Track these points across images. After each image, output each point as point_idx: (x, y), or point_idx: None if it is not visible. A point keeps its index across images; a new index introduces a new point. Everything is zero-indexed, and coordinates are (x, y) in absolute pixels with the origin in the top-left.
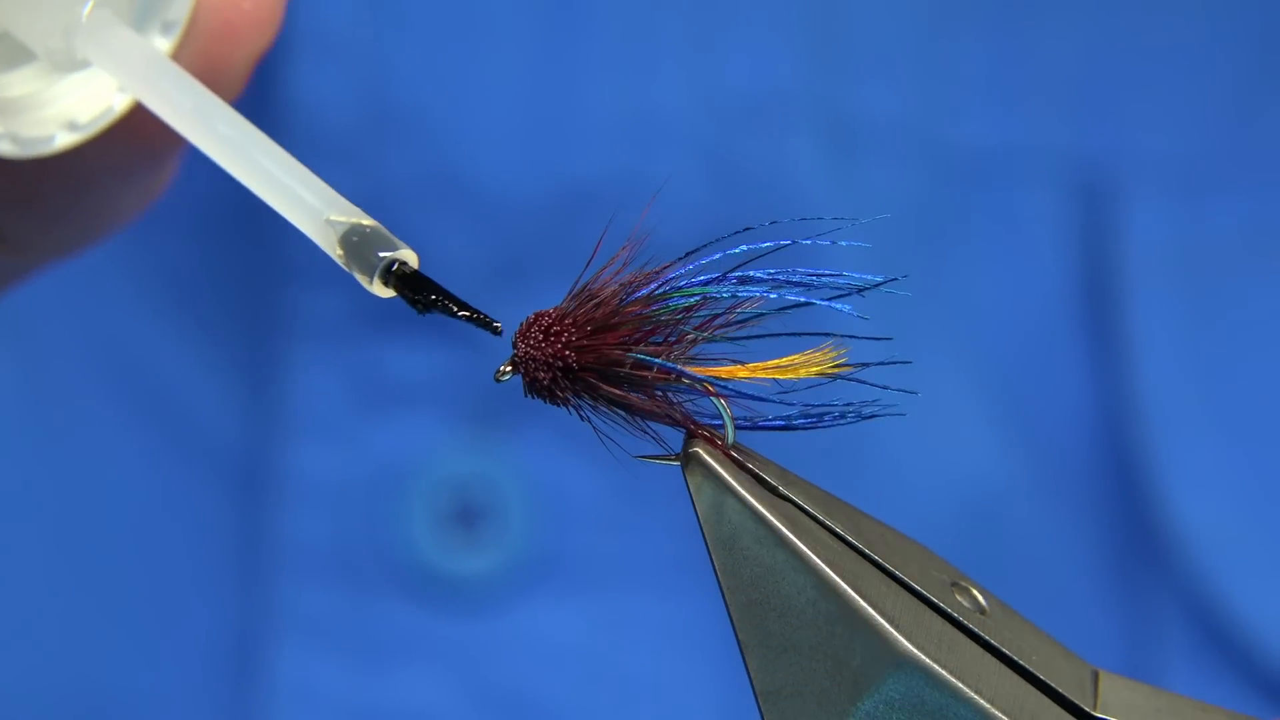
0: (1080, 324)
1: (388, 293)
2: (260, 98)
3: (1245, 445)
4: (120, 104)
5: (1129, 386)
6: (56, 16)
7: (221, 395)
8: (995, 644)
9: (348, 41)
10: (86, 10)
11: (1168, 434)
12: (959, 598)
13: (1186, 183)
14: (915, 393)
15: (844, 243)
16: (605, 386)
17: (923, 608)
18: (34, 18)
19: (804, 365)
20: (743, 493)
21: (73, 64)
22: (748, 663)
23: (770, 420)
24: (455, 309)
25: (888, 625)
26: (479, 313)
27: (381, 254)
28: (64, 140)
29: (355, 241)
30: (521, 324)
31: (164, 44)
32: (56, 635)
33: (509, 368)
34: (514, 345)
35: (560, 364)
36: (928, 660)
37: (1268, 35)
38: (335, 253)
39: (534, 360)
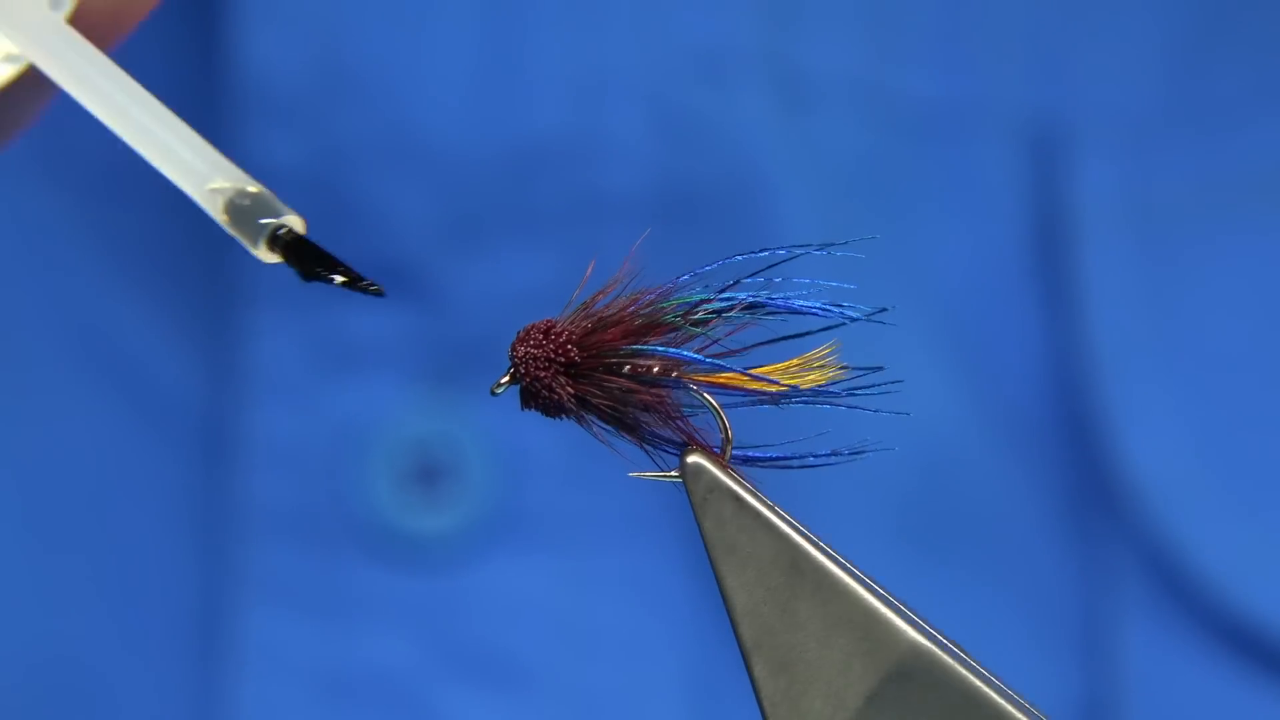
0: (1033, 275)
1: (274, 258)
2: (209, 59)
3: (1197, 393)
4: (3, 74)
5: (1082, 337)
6: None
7: (181, 359)
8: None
9: (296, 2)
10: None
11: (1121, 383)
12: None
13: (1137, 133)
14: (907, 413)
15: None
16: (607, 379)
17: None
18: None
19: (798, 370)
20: (748, 495)
21: None
22: (752, 666)
23: (764, 452)
24: (335, 277)
25: (893, 617)
26: (360, 278)
27: (265, 220)
28: None
29: (242, 206)
30: (519, 332)
31: None
32: (19, 603)
33: (506, 379)
34: (512, 351)
35: (562, 359)
36: (931, 647)
37: None
38: (221, 218)
39: (533, 359)
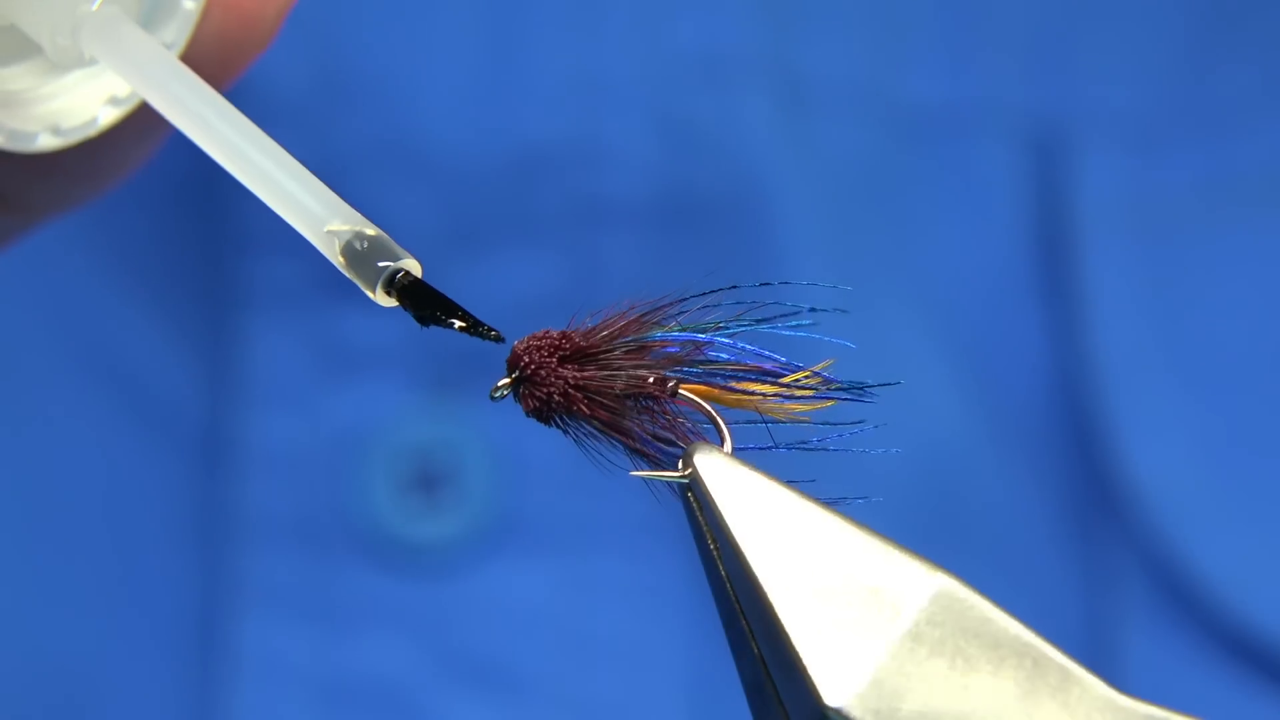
0: (1035, 278)
1: (390, 302)
2: None
3: (1201, 398)
4: (105, 118)
5: (1085, 341)
6: (65, 11)
7: (180, 364)
8: None
9: (296, 8)
10: (96, 5)
11: (1124, 388)
12: None
13: (1141, 136)
14: (895, 450)
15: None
16: (609, 361)
17: None
18: (42, 11)
19: (794, 383)
20: (758, 473)
21: (78, 61)
22: (776, 609)
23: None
24: (453, 321)
25: (920, 561)
26: (479, 323)
27: (383, 263)
28: (45, 143)
29: (358, 250)
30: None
31: (192, 5)
32: (16, 608)
33: (506, 380)
34: (513, 352)
35: (566, 346)
36: (960, 583)
37: None
38: (337, 260)
39: (534, 348)
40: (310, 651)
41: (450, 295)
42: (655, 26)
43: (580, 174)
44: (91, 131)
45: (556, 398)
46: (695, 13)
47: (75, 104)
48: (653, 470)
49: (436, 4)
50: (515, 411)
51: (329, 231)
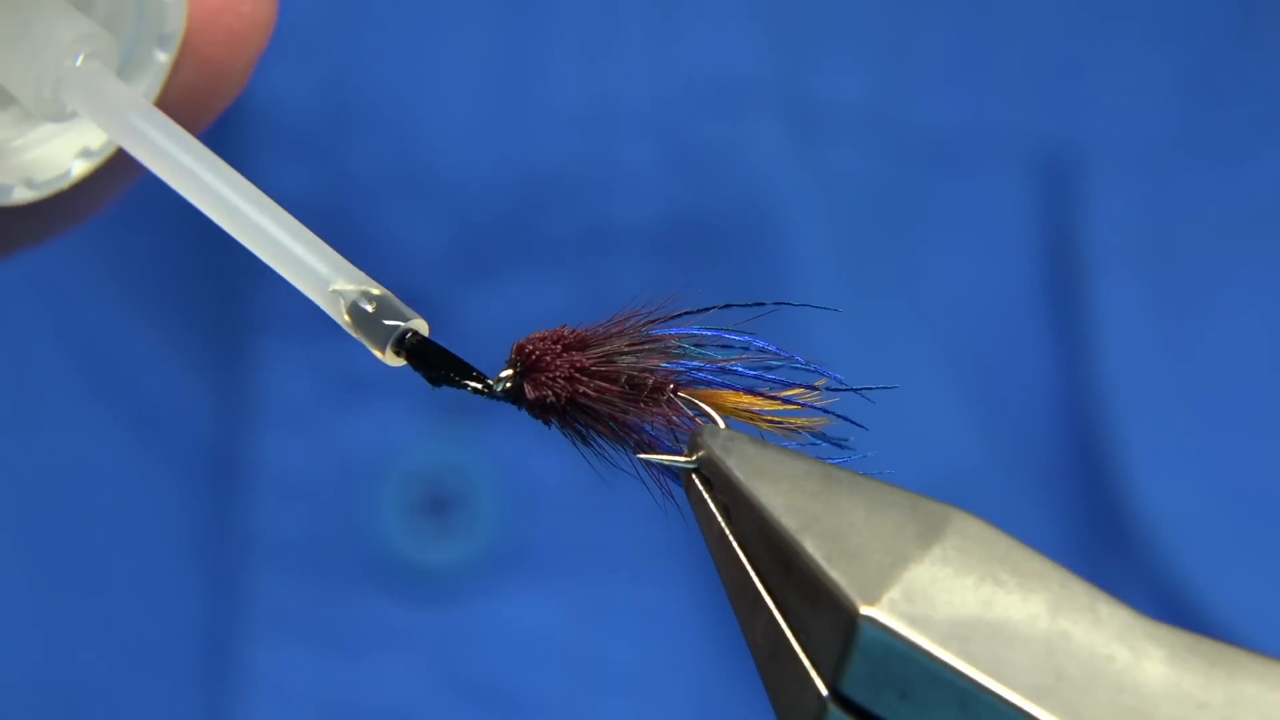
0: (1045, 306)
1: (399, 363)
2: None
3: (1210, 427)
4: (78, 170)
5: (1094, 368)
6: (48, 65)
7: (191, 388)
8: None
9: (305, 32)
10: (79, 60)
11: (1133, 416)
12: None
13: (1151, 163)
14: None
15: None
16: (614, 351)
17: None
18: (22, 65)
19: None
20: (773, 447)
21: (57, 114)
22: (802, 542)
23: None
24: (466, 383)
25: (934, 501)
26: (489, 382)
27: (389, 323)
28: (20, 196)
29: (364, 311)
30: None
31: (164, 58)
32: (26, 630)
33: (509, 371)
34: (515, 345)
35: (570, 338)
36: (977, 518)
37: (1230, 16)
38: (343, 320)
39: (539, 338)
40: (319, 676)
41: (466, 317)
42: (666, 52)
43: (590, 199)
44: (64, 184)
45: (560, 381)
46: (707, 38)
47: (49, 156)
48: (657, 459)
49: (447, 29)
50: (525, 437)
51: (334, 291)
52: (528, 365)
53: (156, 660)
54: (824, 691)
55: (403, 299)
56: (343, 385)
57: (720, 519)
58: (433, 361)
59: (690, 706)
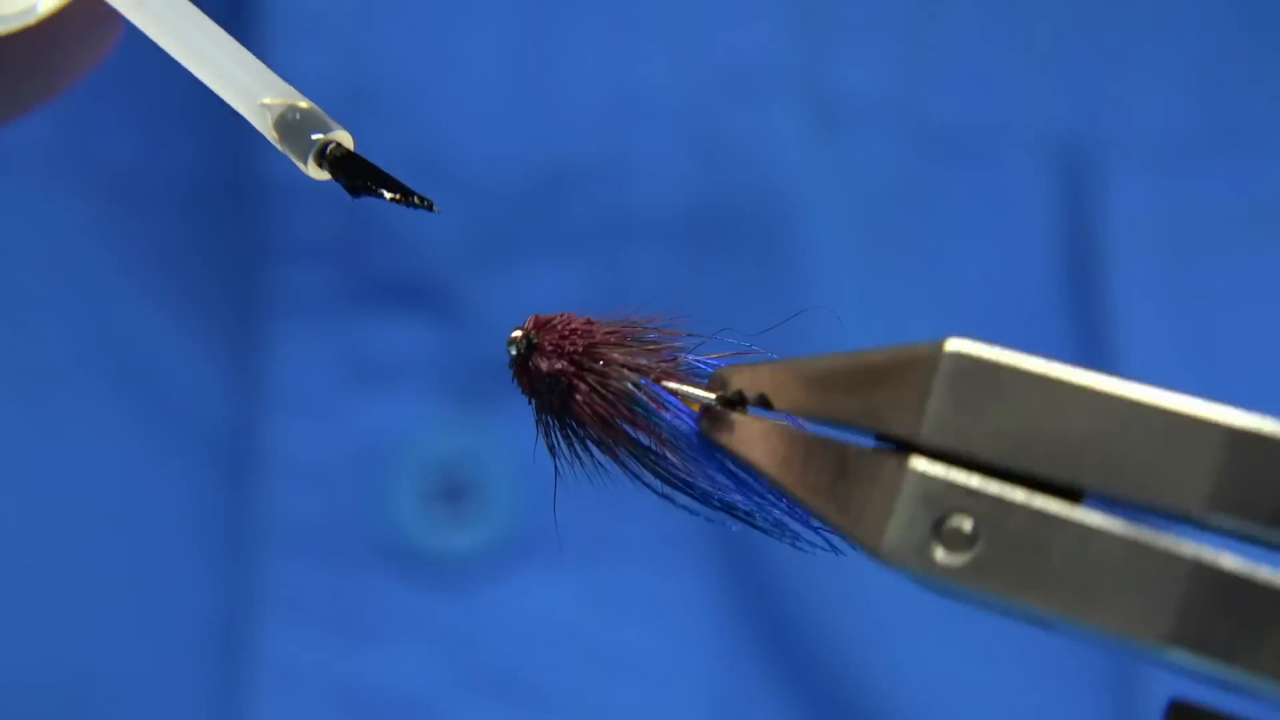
0: (1064, 298)
1: (322, 175)
2: None
3: None
4: (44, 6)
5: (1113, 361)
6: None
7: (206, 372)
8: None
9: (326, 19)
10: None
11: None
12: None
13: (1170, 156)
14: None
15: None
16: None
17: None
18: None
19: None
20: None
21: None
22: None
23: None
24: (385, 191)
25: None
26: (412, 193)
27: (316, 135)
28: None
29: (292, 122)
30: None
31: None
32: (39, 615)
33: (519, 333)
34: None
35: (580, 320)
36: None
37: (1249, 9)
38: (271, 135)
39: (546, 319)
40: (332, 661)
41: (483, 304)
42: (688, 41)
43: (610, 188)
44: (30, 20)
45: (578, 342)
46: (728, 28)
47: None
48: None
49: (469, 17)
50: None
51: (263, 105)
52: (540, 326)
53: (170, 644)
54: (904, 465)
55: (420, 284)
56: (358, 371)
57: (756, 422)
58: (355, 173)
59: (703, 694)
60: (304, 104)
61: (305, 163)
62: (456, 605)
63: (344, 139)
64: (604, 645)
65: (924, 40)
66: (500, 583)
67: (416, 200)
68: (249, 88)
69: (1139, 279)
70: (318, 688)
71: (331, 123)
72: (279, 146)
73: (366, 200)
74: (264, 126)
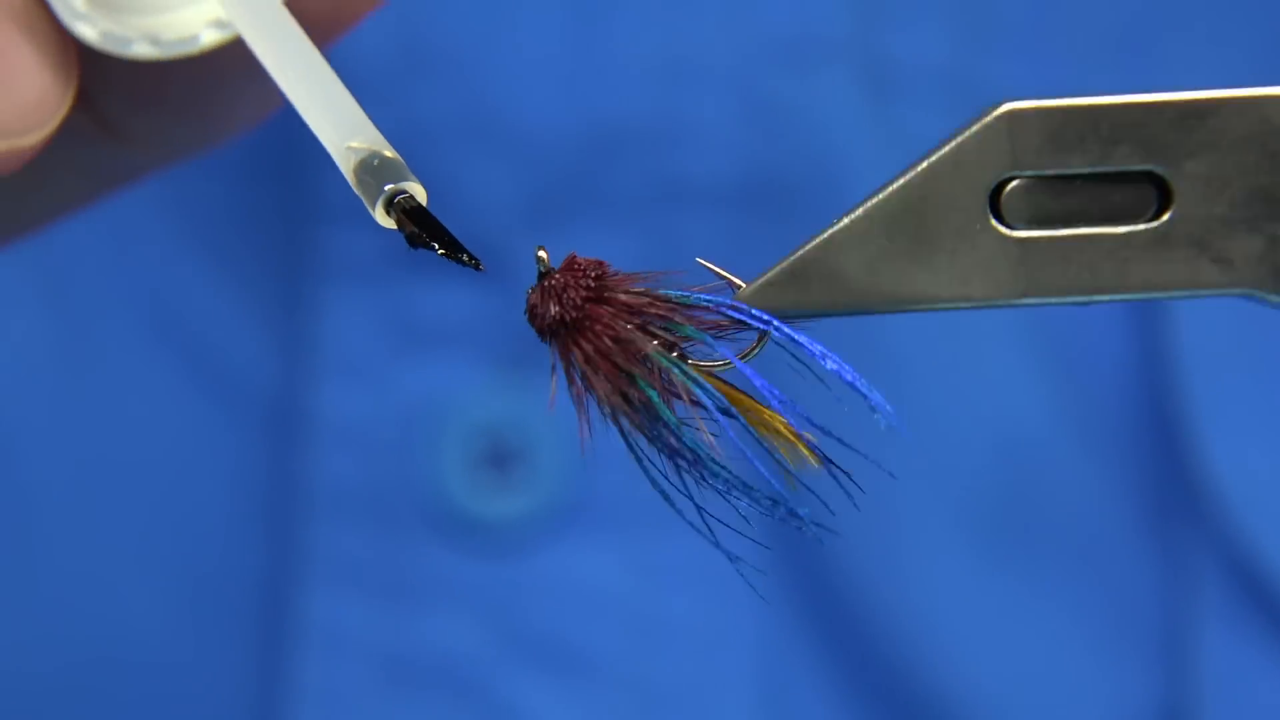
0: None
1: (389, 223)
2: None
3: None
4: (208, 38)
5: (1169, 335)
6: None
7: (253, 335)
8: None
9: None
10: None
11: (1207, 384)
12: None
13: None
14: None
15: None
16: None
17: None
18: None
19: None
20: None
21: None
22: None
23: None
24: (435, 245)
25: None
26: (463, 250)
27: (389, 185)
28: (141, 50)
29: (371, 167)
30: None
31: None
32: (85, 578)
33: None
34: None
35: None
36: None
37: None
38: (350, 177)
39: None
40: (375, 626)
41: (534, 269)
42: (743, 7)
43: (662, 154)
44: (192, 49)
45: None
46: None
47: (179, 20)
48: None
49: None
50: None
51: (349, 148)
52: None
53: (215, 607)
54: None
55: (470, 245)
56: (406, 335)
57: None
58: (421, 226)
59: (750, 663)
60: (388, 153)
61: (374, 208)
62: (502, 571)
63: (417, 191)
64: (650, 614)
65: (979, 10)
66: (546, 550)
67: (466, 259)
68: (342, 128)
69: None
70: (362, 652)
71: (410, 175)
72: (355, 189)
73: (422, 159)
74: (346, 168)
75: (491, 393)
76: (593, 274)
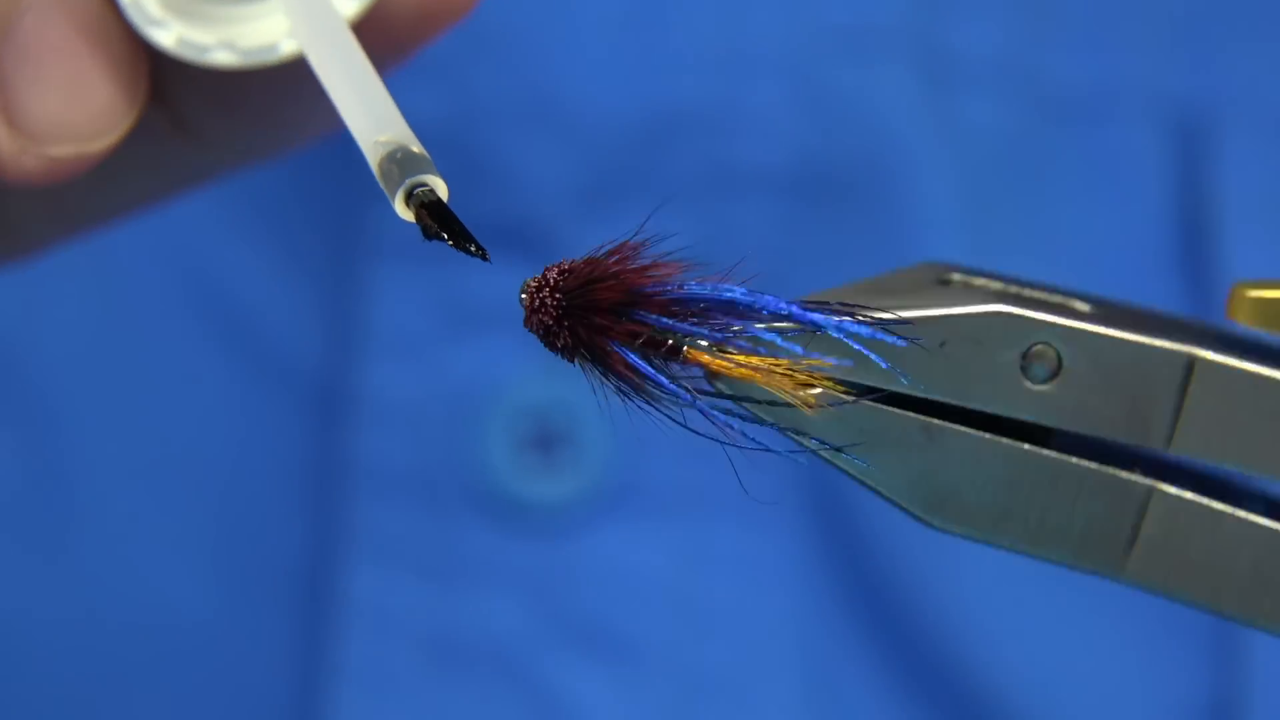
0: (1177, 264)
1: (408, 215)
2: None
3: None
4: (287, 48)
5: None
6: None
7: (302, 314)
8: (1057, 426)
9: None
10: None
11: None
12: (1033, 362)
13: None
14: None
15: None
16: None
17: (969, 438)
18: None
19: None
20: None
21: None
22: None
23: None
24: (449, 239)
25: (914, 514)
26: (473, 243)
27: (412, 177)
28: (220, 57)
29: (396, 160)
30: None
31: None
32: (131, 555)
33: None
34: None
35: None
36: (957, 531)
37: None
38: (375, 168)
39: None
40: (420, 606)
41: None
42: None
43: (718, 140)
44: (271, 58)
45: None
46: None
47: (258, 30)
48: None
49: None
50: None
51: (378, 141)
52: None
53: (260, 586)
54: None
55: (521, 230)
56: (455, 316)
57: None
58: (439, 220)
59: (793, 650)
60: (415, 148)
61: (394, 198)
62: (546, 554)
63: (438, 185)
64: (694, 599)
65: (1038, 1)
66: (591, 533)
67: (473, 249)
68: (374, 122)
69: (1251, 245)
70: (406, 632)
71: (433, 169)
72: (379, 181)
73: (477, 139)
74: (372, 160)
75: (539, 375)
76: (549, 288)
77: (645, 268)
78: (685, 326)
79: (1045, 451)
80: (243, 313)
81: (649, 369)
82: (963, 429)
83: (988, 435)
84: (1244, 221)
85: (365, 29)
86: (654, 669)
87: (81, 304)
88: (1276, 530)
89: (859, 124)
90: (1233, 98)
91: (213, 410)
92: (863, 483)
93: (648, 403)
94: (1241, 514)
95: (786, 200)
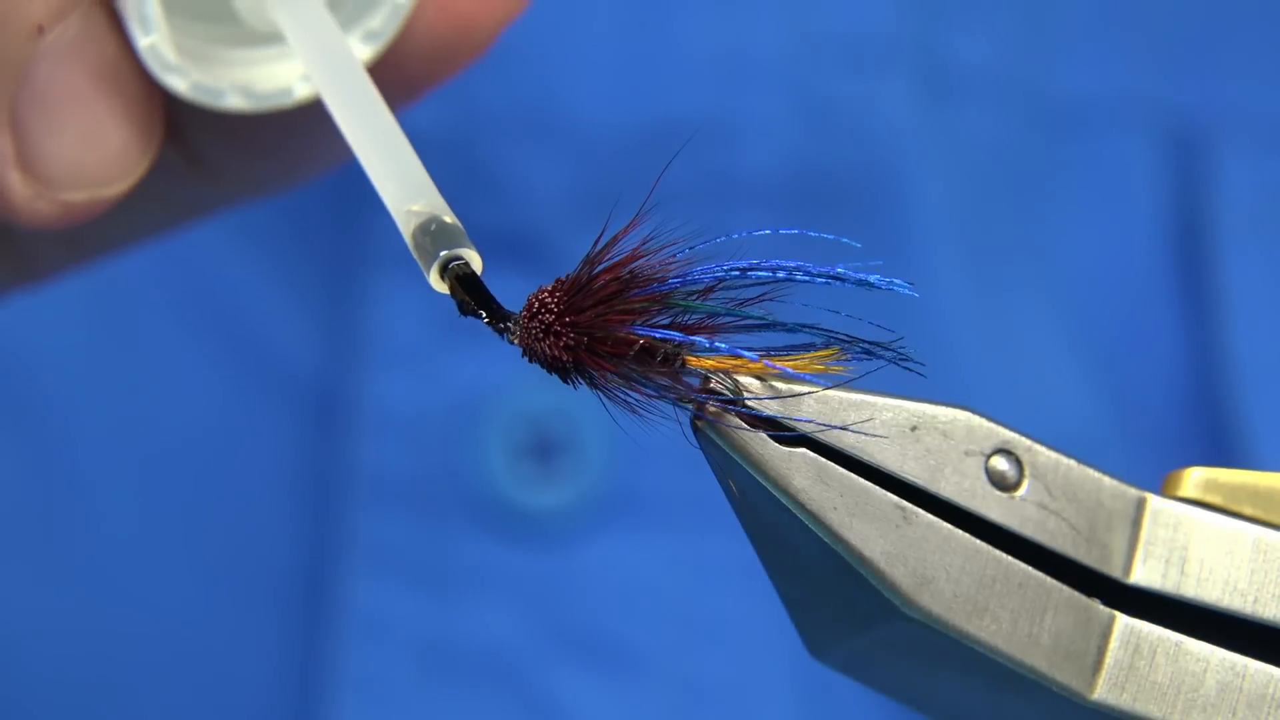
0: (1173, 276)
1: (442, 287)
2: None
3: None
4: (301, 91)
5: (1219, 340)
6: None
7: (301, 324)
8: (1020, 533)
9: None
10: None
11: (1256, 389)
12: (997, 467)
13: None
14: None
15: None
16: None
17: (942, 528)
18: None
19: (810, 364)
20: (744, 460)
21: (276, 35)
22: (769, 576)
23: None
24: (480, 313)
25: (894, 588)
26: (506, 322)
27: (445, 250)
28: (233, 102)
29: (429, 231)
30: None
31: (387, 23)
32: (131, 562)
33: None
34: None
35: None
36: (936, 614)
37: None
38: (408, 239)
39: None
40: (419, 616)
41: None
42: (802, 5)
43: (717, 150)
44: (286, 101)
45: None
46: None
47: (272, 74)
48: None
49: None
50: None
51: (410, 210)
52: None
53: (258, 593)
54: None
55: (520, 238)
56: (453, 325)
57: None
58: (471, 293)
59: (787, 662)
60: (448, 218)
61: (428, 271)
62: (544, 563)
63: (473, 259)
64: (691, 609)
65: (1037, 13)
66: (589, 543)
67: (506, 327)
68: (406, 190)
69: (1247, 257)
70: (403, 640)
71: (467, 241)
72: (413, 252)
73: (477, 149)
74: (404, 229)
75: (538, 385)
76: (540, 311)
77: (631, 303)
78: (678, 335)
79: (1011, 559)
80: (243, 322)
81: (654, 390)
82: (935, 519)
83: (959, 530)
84: (1239, 233)
85: (380, 70)
86: (651, 678)
87: (83, 313)
88: (1238, 658)
89: (857, 134)
90: (1228, 111)
91: (212, 419)
92: (845, 544)
93: (649, 411)
94: (1201, 644)
95: (785, 211)
